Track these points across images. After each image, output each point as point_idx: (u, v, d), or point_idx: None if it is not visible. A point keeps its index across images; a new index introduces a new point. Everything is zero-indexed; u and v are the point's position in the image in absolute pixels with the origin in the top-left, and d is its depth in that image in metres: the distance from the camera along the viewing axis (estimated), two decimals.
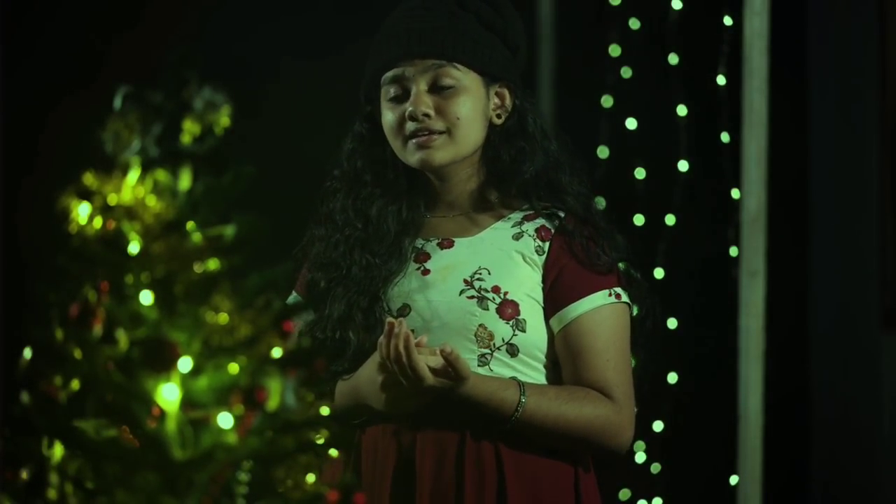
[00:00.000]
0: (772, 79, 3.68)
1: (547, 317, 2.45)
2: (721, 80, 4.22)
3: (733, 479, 3.91)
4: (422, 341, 2.32)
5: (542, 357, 2.45)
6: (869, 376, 4.54)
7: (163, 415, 1.61)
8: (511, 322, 2.42)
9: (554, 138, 2.56)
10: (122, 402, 1.62)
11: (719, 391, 4.12)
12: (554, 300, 2.45)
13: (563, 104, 4.79)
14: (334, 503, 1.68)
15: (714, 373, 4.29)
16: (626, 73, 4.59)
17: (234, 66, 3.84)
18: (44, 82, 3.97)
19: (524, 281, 2.45)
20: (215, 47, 3.35)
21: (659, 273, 4.40)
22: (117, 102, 1.68)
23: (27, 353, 1.69)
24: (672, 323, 4.35)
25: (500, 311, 2.42)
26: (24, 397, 1.67)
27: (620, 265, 2.51)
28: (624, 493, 4.51)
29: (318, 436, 1.72)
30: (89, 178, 1.66)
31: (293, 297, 2.54)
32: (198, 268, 1.64)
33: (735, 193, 4.03)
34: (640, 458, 4.45)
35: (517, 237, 2.49)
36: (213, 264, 1.65)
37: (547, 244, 2.48)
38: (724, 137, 4.25)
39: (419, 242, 2.52)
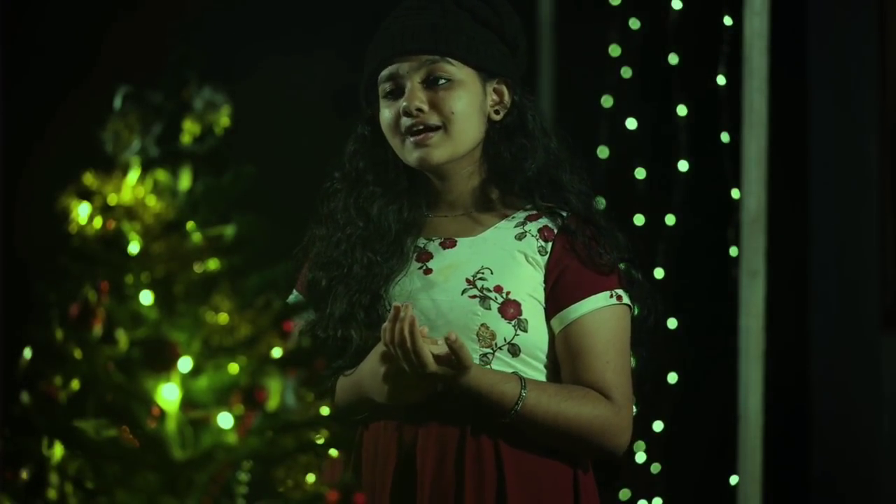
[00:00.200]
0: (772, 79, 3.68)
1: (548, 317, 2.45)
2: (721, 80, 4.22)
3: (733, 479, 3.91)
4: (424, 331, 2.32)
5: (544, 357, 2.45)
6: (869, 376, 4.54)
7: (163, 415, 1.61)
8: (513, 322, 2.42)
9: (554, 136, 2.57)
10: (122, 402, 1.62)
11: (719, 391, 4.12)
12: (555, 301, 2.45)
13: (563, 104, 4.79)
14: (334, 503, 1.68)
15: (714, 373, 4.29)
16: (626, 73, 4.59)
17: (233, 65, 3.84)
18: (44, 82, 3.97)
19: (526, 281, 2.45)
20: (215, 46, 3.35)
21: (659, 273, 4.40)
22: (117, 102, 1.68)
23: (27, 353, 1.69)
24: (672, 323, 4.35)
25: (503, 310, 2.42)
26: (24, 397, 1.67)
27: (621, 265, 2.51)
28: (624, 493, 4.51)
29: (318, 436, 1.72)
30: (89, 178, 1.66)
31: (294, 296, 2.55)
32: (198, 268, 1.64)
33: (735, 193, 4.03)
34: (641, 458, 4.45)
35: (520, 237, 2.49)
36: (213, 264, 1.65)
37: (550, 244, 2.48)
38: (724, 137, 4.25)
39: (421, 242, 2.52)
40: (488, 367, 2.41)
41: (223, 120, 1.68)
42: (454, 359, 2.31)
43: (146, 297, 1.63)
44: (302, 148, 3.40)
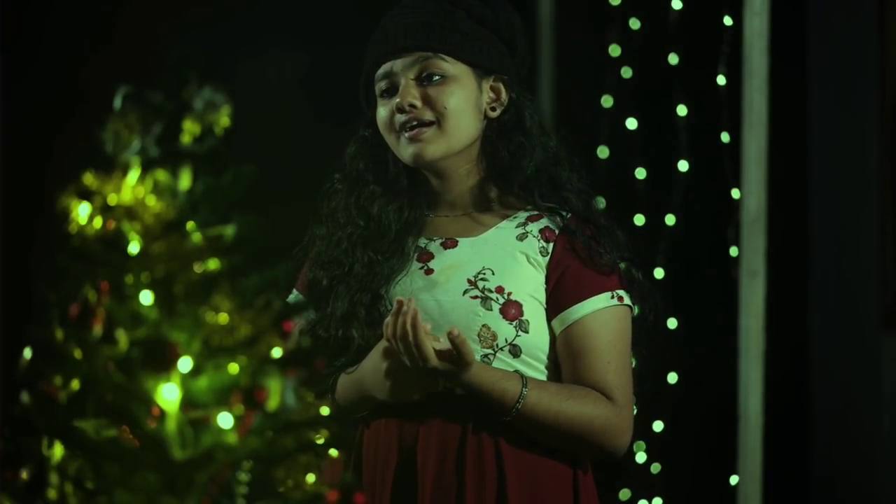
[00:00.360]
0: (772, 79, 3.68)
1: (549, 318, 2.45)
2: (721, 80, 4.22)
3: (733, 479, 3.91)
4: (427, 328, 2.32)
5: (545, 358, 2.45)
6: (869, 376, 4.54)
7: (163, 415, 1.61)
8: (514, 323, 2.42)
9: (552, 134, 2.57)
10: (122, 402, 1.62)
11: (719, 391, 4.12)
12: (556, 301, 2.45)
13: (563, 104, 4.80)
14: (334, 503, 1.68)
15: (714, 373, 4.29)
16: (626, 73, 4.59)
17: (234, 63, 3.85)
18: (44, 82, 3.97)
19: (528, 282, 2.45)
20: (216, 45, 3.35)
21: (659, 273, 4.41)
22: (117, 102, 1.68)
23: (27, 353, 1.69)
24: (672, 323, 4.35)
25: (504, 311, 2.42)
26: (24, 397, 1.67)
27: (622, 265, 2.51)
28: (624, 493, 4.51)
29: (318, 436, 1.72)
30: (89, 178, 1.66)
31: (294, 296, 2.55)
32: (198, 268, 1.64)
33: (735, 193, 4.03)
34: (641, 458, 4.45)
35: (521, 238, 2.49)
36: (213, 264, 1.65)
37: (551, 245, 2.48)
38: (724, 137, 4.25)
39: (422, 241, 2.52)
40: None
41: (223, 120, 1.68)
42: (456, 354, 2.31)
43: (146, 297, 1.63)
44: (302, 148, 3.40)
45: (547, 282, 2.46)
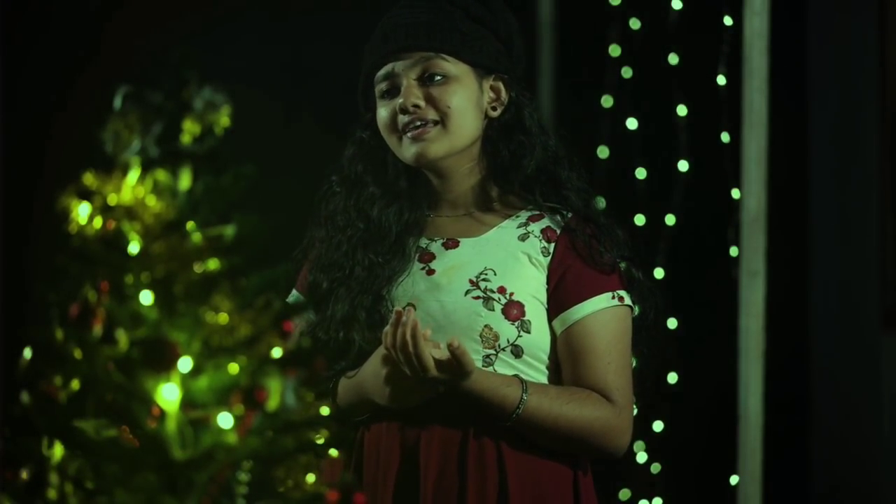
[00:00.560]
0: (772, 79, 3.68)
1: (550, 318, 2.45)
2: (721, 80, 4.21)
3: (733, 479, 3.91)
4: (426, 334, 2.32)
5: (546, 358, 2.45)
6: (869, 376, 4.54)
7: (163, 415, 1.61)
8: (516, 323, 2.42)
9: (552, 133, 2.57)
10: (122, 402, 1.62)
11: (719, 391, 4.12)
12: (557, 302, 2.45)
13: (563, 104, 4.79)
14: (334, 503, 1.68)
15: (714, 373, 4.29)
16: (626, 73, 4.59)
17: (233, 64, 3.84)
18: (44, 82, 3.97)
19: (529, 282, 2.45)
20: (216, 44, 3.35)
21: (659, 273, 4.40)
22: (117, 102, 1.68)
23: (27, 353, 1.69)
24: (672, 323, 4.35)
25: (506, 311, 2.42)
26: (24, 397, 1.67)
27: (622, 264, 2.51)
28: (624, 493, 4.51)
29: (318, 436, 1.72)
30: (89, 178, 1.66)
31: (294, 296, 2.55)
32: (198, 268, 1.64)
33: (735, 193, 4.02)
34: (641, 458, 4.45)
35: (523, 238, 2.49)
36: (213, 264, 1.65)
37: (552, 245, 2.48)
38: (724, 137, 4.24)
39: (423, 242, 2.52)
40: (491, 368, 2.41)
41: (223, 120, 1.68)
42: (455, 364, 2.31)
43: (146, 297, 1.63)
44: (302, 148, 3.40)
45: (548, 282, 2.46)
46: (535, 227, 2.50)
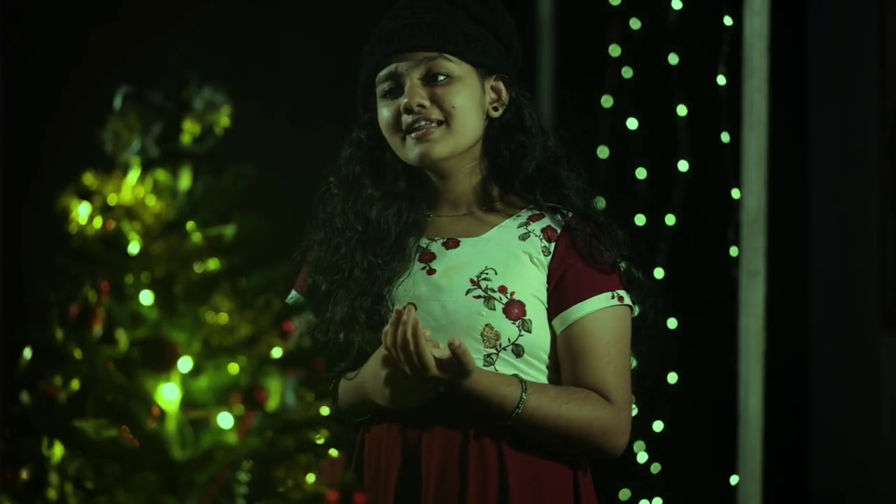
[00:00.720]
0: (772, 79, 3.68)
1: (549, 317, 2.45)
2: (721, 80, 4.21)
3: (733, 479, 3.91)
4: (427, 334, 2.32)
5: (546, 358, 2.45)
6: (869, 376, 4.54)
7: (163, 415, 1.61)
8: (517, 322, 2.42)
9: (551, 133, 2.57)
10: (122, 402, 1.62)
11: (719, 391, 4.12)
12: (557, 301, 2.45)
13: (563, 104, 4.79)
14: (334, 503, 1.68)
15: (714, 373, 4.29)
16: (626, 73, 4.59)
17: (234, 63, 3.84)
18: (44, 82, 3.97)
19: (530, 281, 2.45)
20: (216, 44, 3.35)
21: (659, 273, 4.40)
22: (117, 102, 1.68)
23: (27, 353, 1.69)
24: (672, 323, 4.35)
25: (507, 311, 2.42)
26: (24, 397, 1.67)
27: (622, 264, 2.51)
28: (624, 493, 4.51)
29: (318, 436, 1.72)
30: (89, 178, 1.66)
31: (293, 296, 2.55)
32: (198, 268, 1.64)
33: (735, 193, 4.03)
34: (641, 458, 4.45)
35: (524, 237, 2.49)
36: (213, 264, 1.65)
37: (553, 244, 2.48)
38: (724, 137, 4.25)
39: (423, 242, 2.52)
40: (492, 367, 2.41)
41: (223, 120, 1.68)
42: (456, 363, 2.31)
43: (146, 297, 1.63)
44: (302, 148, 3.40)
45: (548, 281, 2.46)
46: (536, 227, 2.50)
